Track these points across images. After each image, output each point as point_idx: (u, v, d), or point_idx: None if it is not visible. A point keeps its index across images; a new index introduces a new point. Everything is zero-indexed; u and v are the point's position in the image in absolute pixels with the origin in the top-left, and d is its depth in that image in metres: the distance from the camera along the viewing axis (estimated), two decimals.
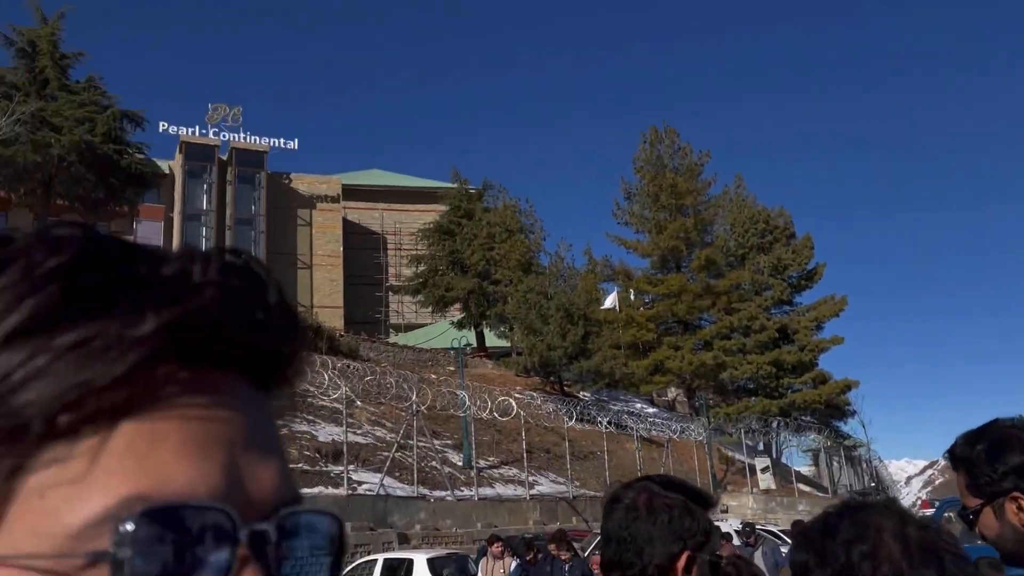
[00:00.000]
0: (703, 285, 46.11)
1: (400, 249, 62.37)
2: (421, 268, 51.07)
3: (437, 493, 23.66)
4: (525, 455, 26.78)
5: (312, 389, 26.01)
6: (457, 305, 49.52)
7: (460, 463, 26.60)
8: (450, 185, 54.00)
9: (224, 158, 56.47)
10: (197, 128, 55.88)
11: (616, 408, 37.15)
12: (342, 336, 42.63)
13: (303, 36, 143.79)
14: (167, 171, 53.66)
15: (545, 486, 27.83)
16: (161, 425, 0.42)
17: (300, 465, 21.45)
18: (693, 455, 35.32)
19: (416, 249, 54.07)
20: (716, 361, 43.36)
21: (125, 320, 0.41)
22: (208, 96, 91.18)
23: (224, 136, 56.37)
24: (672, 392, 51.72)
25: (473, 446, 26.28)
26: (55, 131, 34.00)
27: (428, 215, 56.46)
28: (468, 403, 26.44)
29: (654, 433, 36.20)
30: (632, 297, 46.57)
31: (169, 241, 53.94)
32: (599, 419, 31.22)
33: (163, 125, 54.27)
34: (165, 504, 0.40)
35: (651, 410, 44.28)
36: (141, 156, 39.08)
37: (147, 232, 53.44)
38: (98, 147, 35.02)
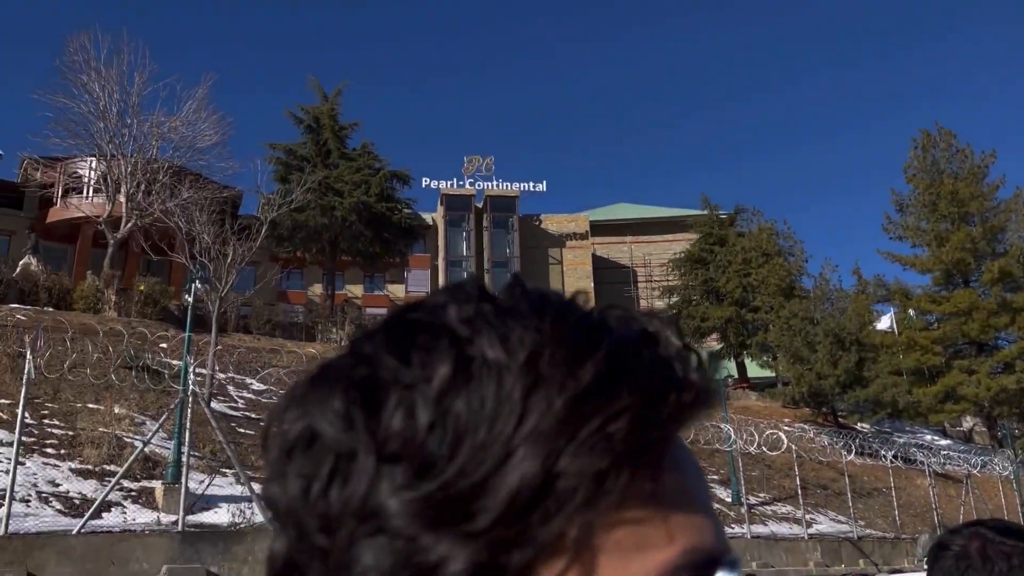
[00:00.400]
0: (998, 300, 40.82)
1: (651, 281, 62.04)
2: (674, 299, 50.35)
3: None
4: (800, 491, 25.08)
5: None
6: (714, 335, 48.08)
7: (728, 499, 25.50)
8: (699, 212, 52.95)
9: (480, 206, 60.01)
10: (455, 180, 59.96)
11: (902, 440, 33.77)
12: None
13: (550, 84, 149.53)
14: (431, 222, 58.01)
15: (824, 525, 25.82)
16: (685, 480, 0.46)
17: None
18: (998, 492, 31.04)
19: (667, 280, 53.49)
20: (1020, 385, 38.01)
21: (671, 388, 0.45)
22: (464, 149, 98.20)
23: (479, 185, 60.00)
24: (968, 421, 46.01)
25: (742, 482, 25.09)
26: (338, 195, 38.24)
27: (677, 244, 55.72)
28: (733, 437, 25.36)
29: (949, 468, 32.36)
30: (913, 317, 42.36)
31: (435, 287, 58.03)
32: (882, 453, 28.54)
33: (425, 181, 58.88)
34: (710, 556, 0.43)
35: (943, 442, 39.68)
36: (409, 211, 42.68)
37: (416, 280, 58.04)
38: (373, 206, 38.81)
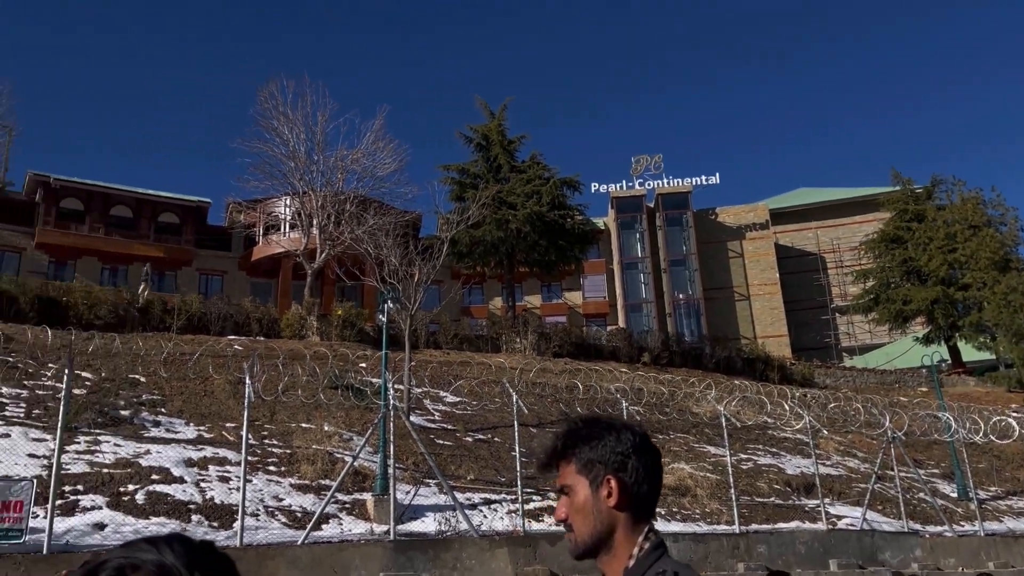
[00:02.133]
0: None
1: (841, 266, 58.39)
2: (870, 283, 47.01)
3: (932, 528, 20.92)
4: None
5: (772, 421, 25.16)
6: (919, 319, 44.41)
7: (953, 494, 23.29)
8: (890, 189, 49.19)
9: (651, 205, 59.07)
10: (624, 182, 59.44)
11: None
12: (793, 364, 40.93)
13: (711, 76, 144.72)
14: (603, 227, 57.76)
15: None
16: None
17: (772, 499, 20.71)
18: None
19: (860, 264, 50.09)
20: None
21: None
22: (630, 150, 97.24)
23: (649, 184, 59.12)
24: None
25: (968, 475, 22.86)
26: (511, 208, 38.93)
27: (868, 225, 52.12)
28: (955, 426, 23.17)
29: None
30: None
31: (612, 291, 57.74)
32: None
33: (595, 186, 58.78)
34: None
35: None
36: (581, 217, 42.71)
37: (592, 285, 57.94)
38: (546, 215, 39.16)
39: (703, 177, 59.42)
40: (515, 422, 17.17)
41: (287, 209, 45.09)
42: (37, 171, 46.58)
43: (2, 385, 19.66)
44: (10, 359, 21.76)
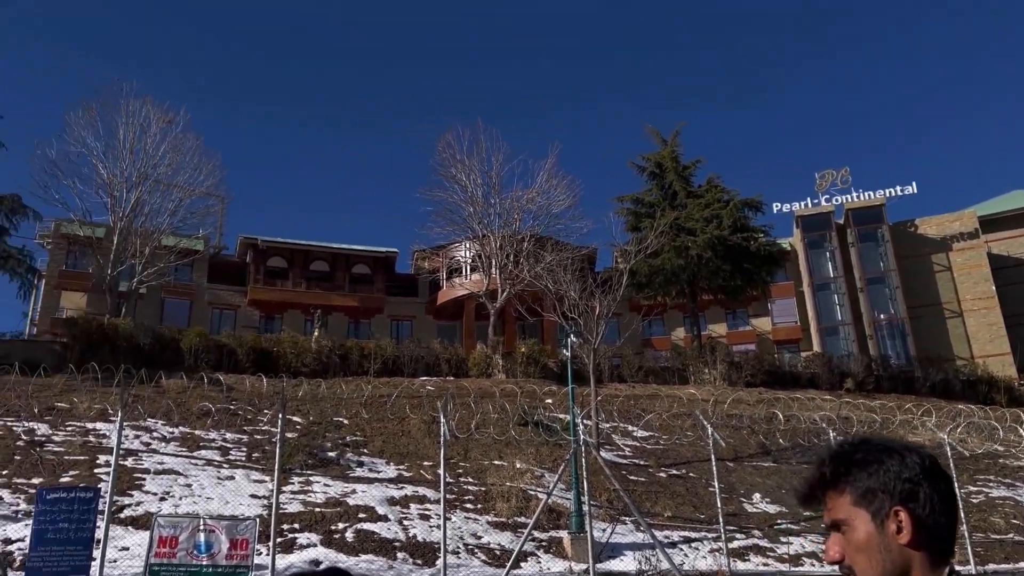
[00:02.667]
0: None
1: None
2: None
3: None
4: None
5: (1003, 449, 22.55)
6: None
7: None
8: None
9: (840, 222, 55.64)
10: (808, 200, 56.45)
11: None
12: (1021, 385, 36.72)
13: (892, 78, 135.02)
14: (789, 248, 55.01)
15: None
16: None
17: (1010, 536, 18.41)
18: None
19: None
20: None
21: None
22: (812, 166, 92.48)
23: (836, 200, 55.77)
24: None
25: None
26: (690, 234, 37.99)
27: None
28: None
29: None
30: None
31: (803, 315, 54.67)
32: None
33: (776, 206, 56.24)
34: None
35: None
36: (766, 238, 40.90)
37: (781, 310, 55.17)
38: (728, 239, 37.85)
39: (897, 188, 55.26)
40: (711, 456, 16.42)
41: (467, 252, 46.60)
42: (247, 234, 51.17)
43: (227, 431, 21.38)
44: (231, 406, 23.68)
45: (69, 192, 36.12)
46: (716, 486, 15.40)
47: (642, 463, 21.79)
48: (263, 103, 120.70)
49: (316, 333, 35.93)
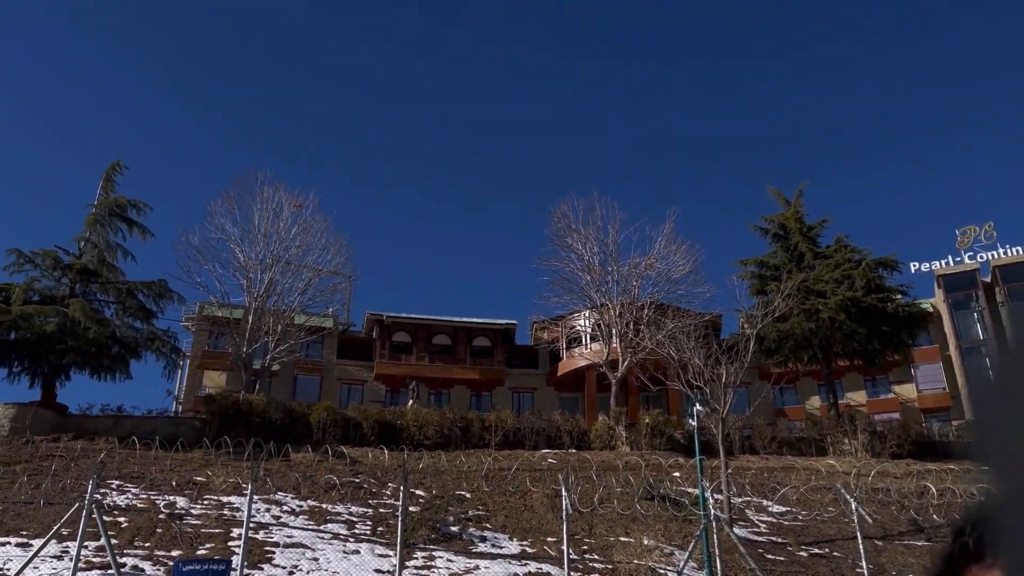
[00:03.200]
0: None
1: None
2: None
3: None
4: None
5: None
6: None
7: None
8: None
9: (987, 280, 51.89)
10: (949, 258, 53.14)
11: None
12: None
13: None
14: (930, 309, 51.62)
15: None
16: None
17: None
18: None
19: None
20: None
21: None
22: (951, 223, 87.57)
23: (981, 256, 52.21)
24: None
25: None
26: (820, 296, 36.28)
27: None
28: None
29: None
30: None
31: (951, 380, 50.79)
32: None
33: (913, 265, 53.19)
34: None
35: None
36: (904, 299, 38.57)
37: (927, 376, 51.48)
38: (862, 300, 35.88)
39: None
40: (857, 533, 15.15)
41: (587, 321, 46.24)
42: (372, 311, 52.84)
43: (352, 504, 21.58)
44: (356, 479, 23.97)
45: (209, 275, 38.49)
46: (864, 567, 14.12)
47: (780, 541, 20.37)
48: (382, 180, 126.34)
49: (410, 403, 36.42)
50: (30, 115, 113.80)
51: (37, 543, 16.68)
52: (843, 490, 17.65)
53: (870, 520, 19.73)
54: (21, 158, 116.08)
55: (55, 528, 16.34)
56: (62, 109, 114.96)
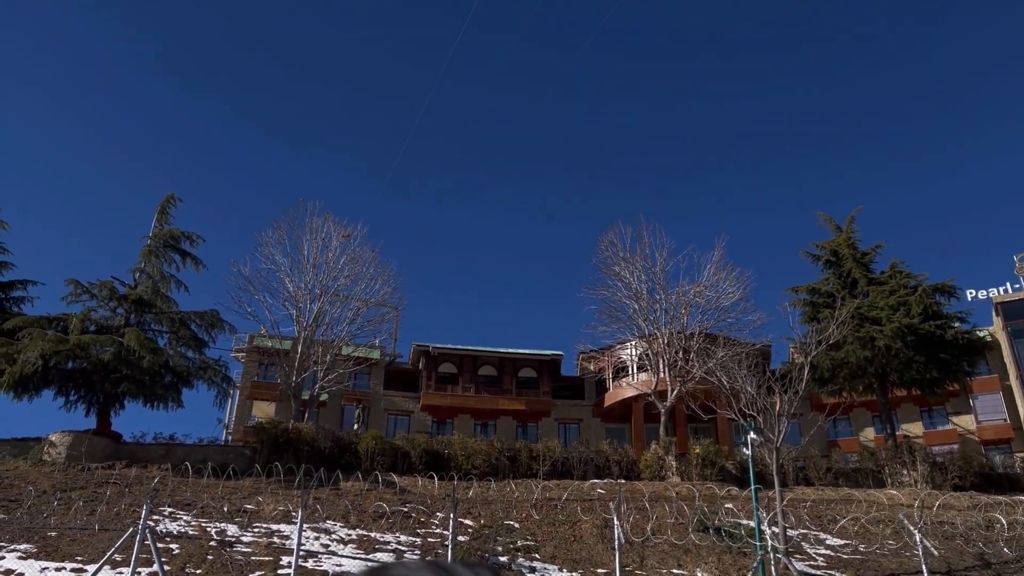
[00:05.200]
0: None
1: None
2: None
3: None
4: None
5: None
6: None
7: None
8: None
9: None
10: (1007, 285, 51.57)
11: None
12: None
13: None
14: (989, 338, 50.01)
15: None
16: None
17: None
18: None
19: None
20: None
21: None
22: (1009, 248, 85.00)
23: None
24: None
25: None
26: (875, 323, 35.39)
27: None
28: None
29: None
30: None
31: (1012, 411, 48.99)
32: None
33: (970, 292, 51.71)
34: None
35: None
36: (963, 327, 37.43)
37: (986, 406, 49.74)
38: (918, 327, 34.90)
39: None
40: (922, 567, 14.55)
41: (634, 351, 45.71)
42: (419, 342, 53.03)
43: (401, 533, 21.46)
44: (404, 508, 23.86)
45: (260, 306, 39.07)
46: None
47: (838, 574, 19.68)
48: (429, 209, 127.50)
49: (356, 427, 36.69)
50: (95, 147, 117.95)
51: (91, 568, 16.88)
52: (906, 522, 17.00)
53: (935, 553, 18.97)
54: (82, 191, 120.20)
55: (108, 553, 16.52)
56: (125, 138, 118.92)
